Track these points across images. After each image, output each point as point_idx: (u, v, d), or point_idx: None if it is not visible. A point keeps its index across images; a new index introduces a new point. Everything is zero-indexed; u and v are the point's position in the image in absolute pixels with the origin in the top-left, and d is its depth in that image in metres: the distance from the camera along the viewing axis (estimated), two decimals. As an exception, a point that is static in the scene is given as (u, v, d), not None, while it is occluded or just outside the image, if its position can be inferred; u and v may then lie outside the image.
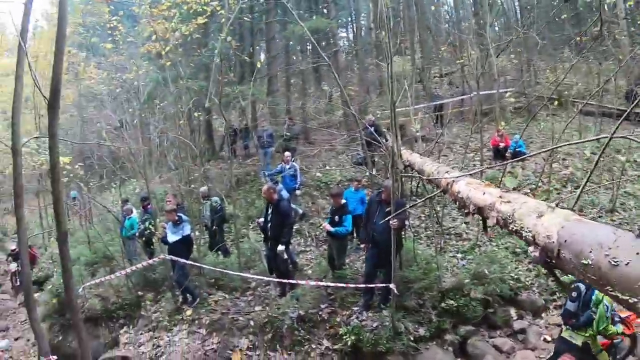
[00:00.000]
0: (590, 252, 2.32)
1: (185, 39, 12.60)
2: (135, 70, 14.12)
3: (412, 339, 7.33)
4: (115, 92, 18.98)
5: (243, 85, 15.13)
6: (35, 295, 10.40)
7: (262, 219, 8.87)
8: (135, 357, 8.18)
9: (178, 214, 9.12)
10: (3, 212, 38.62)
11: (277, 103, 18.15)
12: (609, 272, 2.13)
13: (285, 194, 10.41)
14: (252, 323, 8.08)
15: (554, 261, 2.87)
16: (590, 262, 2.31)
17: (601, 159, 13.28)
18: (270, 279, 8.80)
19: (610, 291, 2.15)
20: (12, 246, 16.50)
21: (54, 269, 15.11)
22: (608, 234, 2.31)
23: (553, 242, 2.78)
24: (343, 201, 8.87)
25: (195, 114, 13.23)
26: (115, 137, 18.58)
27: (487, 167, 10.57)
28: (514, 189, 11.65)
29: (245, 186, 14.65)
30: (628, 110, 4.12)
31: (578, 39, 14.11)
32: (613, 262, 2.09)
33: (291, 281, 8.32)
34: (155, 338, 8.56)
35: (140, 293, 9.91)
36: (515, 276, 8.62)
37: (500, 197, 3.94)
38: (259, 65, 13.36)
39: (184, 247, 8.92)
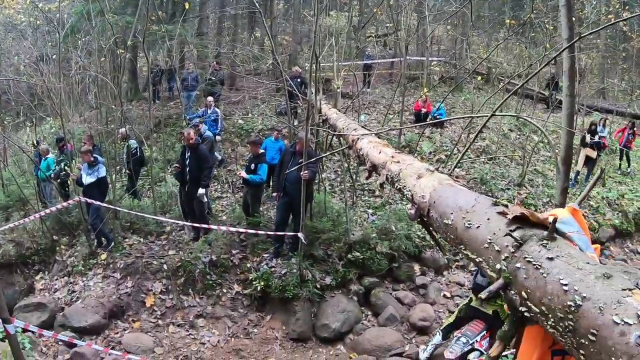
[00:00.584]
0: (452, 213, 2.52)
1: (114, -31, 11.95)
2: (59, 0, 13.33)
3: (318, 286, 7.85)
4: (37, 23, 17.90)
5: (172, 24, 14.64)
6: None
7: (177, 165, 8.98)
8: (51, 303, 8.13)
9: (94, 155, 8.93)
10: None
11: (205, 46, 17.64)
12: (463, 233, 2.33)
13: (209, 134, 10.50)
14: (165, 267, 8.30)
15: (425, 219, 3.10)
16: (450, 223, 2.51)
17: (517, 136, 14.65)
18: (185, 223, 8.98)
19: (464, 250, 2.38)
20: None
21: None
22: (469, 199, 2.50)
23: (425, 202, 2.98)
24: (261, 150, 9.09)
25: (119, 51, 12.74)
26: (34, 71, 17.69)
27: (400, 128, 11.04)
28: (429, 153, 12.49)
29: (167, 129, 14.40)
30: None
31: (509, 21, 14.72)
32: (467, 224, 2.29)
33: (204, 226, 8.56)
34: (71, 283, 8.58)
35: (55, 237, 9.70)
36: (422, 235, 9.18)
37: (392, 157, 4.12)
38: (187, 7, 12.93)
39: (99, 189, 8.84)
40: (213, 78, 14.84)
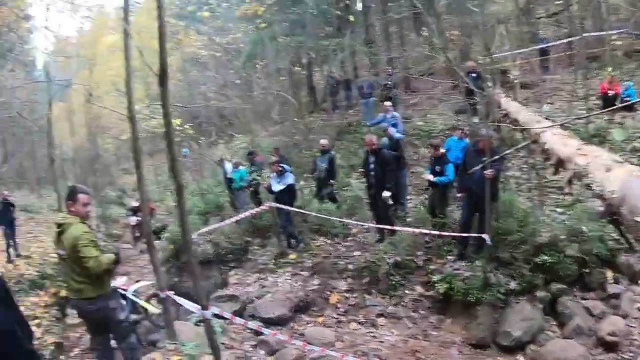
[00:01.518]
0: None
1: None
2: (234, 32, 14.68)
3: (502, 291, 7.27)
4: (217, 55, 19.91)
5: (340, 37, 15.23)
6: (154, 242, 11.60)
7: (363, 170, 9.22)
8: (243, 295, 8.86)
9: (281, 165, 9.71)
10: (122, 172, 42.55)
11: (375, 53, 17.97)
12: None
13: (400, 136, 10.42)
14: (350, 267, 8.54)
15: (616, 217, 2.79)
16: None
17: None
18: (370, 225, 9.16)
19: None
20: (134, 203, 18.05)
21: (170, 220, 16.66)
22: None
23: (615, 197, 2.69)
24: (442, 150, 8.92)
25: (296, 69, 13.57)
26: (220, 96, 19.63)
27: (584, 116, 9.95)
28: (621, 141, 10.98)
29: (348, 137, 14.92)
30: None
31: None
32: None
33: (389, 227, 8.56)
34: (261, 279, 9.27)
35: (248, 239, 10.84)
36: (616, 237, 7.89)
37: (578, 149, 3.84)
38: (352, 19, 13.32)
39: (288, 195, 9.54)
40: (388, 83, 14.95)
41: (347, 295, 8.26)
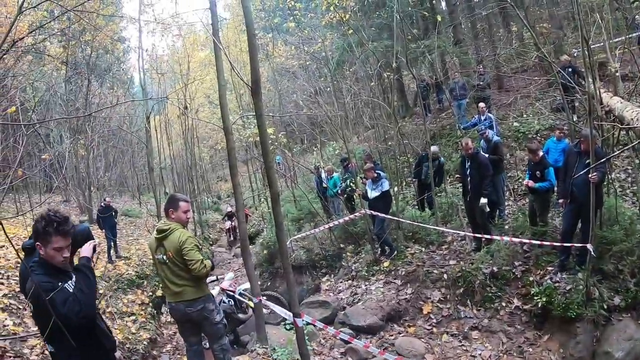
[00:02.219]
0: None
1: (363, 2, 12.68)
2: (321, 41, 14.82)
3: (605, 307, 6.59)
4: (306, 64, 20.19)
5: (428, 38, 14.93)
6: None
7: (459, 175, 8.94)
8: (334, 302, 8.96)
9: (377, 171, 9.58)
10: (217, 179, 44.51)
11: (465, 52, 17.42)
12: None
13: (497, 138, 9.94)
14: (445, 276, 8.25)
15: None
16: None
17: None
18: (466, 233, 8.83)
19: None
20: (228, 208, 18.90)
21: (264, 225, 17.13)
22: None
23: None
24: (540, 153, 8.28)
25: (385, 74, 13.45)
26: (311, 104, 19.90)
27: None
28: None
29: (442, 140, 14.61)
30: None
31: None
32: None
33: (486, 236, 8.18)
34: (354, 286, 9.28)
35: (341, 245, 10.88)
36: None
37: None
38: (439, 19, 12.99)
39: (383, 202, 9.40)
40: (481, 83, 14.43)
41: (440, 305, 8.04)
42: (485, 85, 14.71)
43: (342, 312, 8.43)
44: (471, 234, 8.67)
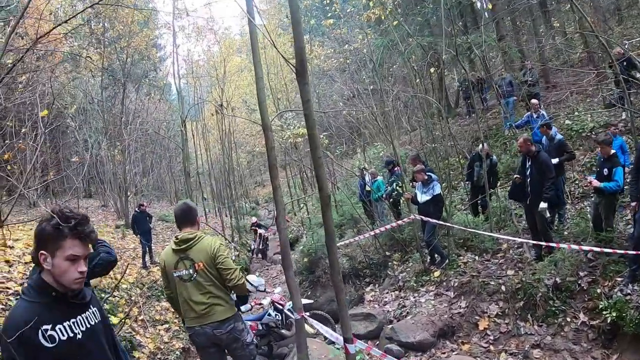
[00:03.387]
0: None
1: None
2: (361, 39, 14.25)
3: None
4: (345, 64, 19.68)
5: (469, 35, 14.16)
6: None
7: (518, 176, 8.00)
8: (380, 315, 8.32)
9: (427, 173, 8.90)
10: (255, 185, 44.46)
11: (510, 47, 16.46)
12: None
13: (560, 136, 9.02)
14: (503, 288, 7.42)
15: None
16: None
17: None
18: (522, 240, 7.96)
19: None
20: (253, 219, 18.65)
21: (304, 231, 16.57)
22: None
23: None
24: (612, 151, 7.35)
25: (432, 69, 12.83)
26: (350, 106, 19.47)
27: None
28: None
29: (489, 141, 13.75)
30: None
31: None
32: None
33: (545, 243, 7.36)
34: (401, 298, 8.61)
35: (387, 253, 10.20)
36: None
37: None
38: (490, 6, 12.19)
39: (434, 206, 8.64)
40: (529, 79, 13.46)
41: (497, 320, 7.23)
42: (535, 81, 13.76)
43: (389, 327, 7.75)
44: (528, 241, 7.82)
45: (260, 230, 17.80)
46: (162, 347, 7.92)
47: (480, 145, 9.80)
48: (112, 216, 19.70)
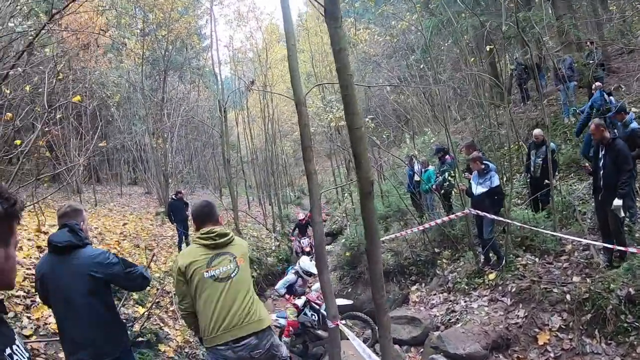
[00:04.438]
0: None
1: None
2: (408, 17, 13.34)
3: None
4: (391, 48, 18.76)
5: (526, 12, 12.89)
6: (328, 247, 10.80)
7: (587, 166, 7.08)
8: (426, 319, 7.56)
9: (484, 162, 7.88)
10: (301, 173, 44.11)
11: (572, 26, 15.02)
12: None
13: (635, 125, 8.00)
14: (568, 297, 6.40)
15: None
16: None
17: None
18: (589, 241, 6.92)
19: None
20: (300, 215, 16.66)
21: (347, 222, 15.81)
22: None
23: None
24: None
25: (477, 57, 11.80)
26: (397, 94, 18.64)
27: None
28: None
29: (545, 130, 12.62)
30: None
31: None
32: None
33: (621, 248, 6.26)
34: (450, 301, 7.78)
35: (436, 250, 9.35)
36: None
37: None
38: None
39: (491, 200, 7.63)
40: (590, 62, 12.15)
41: (560, 335, 6.24)
42: (600, 63, 12.45)
43: (436, 334, 6.92)
44: (596, 243, 6.83)
45: (297, 242, 15.74)
46: (191, 340, 7.52)
47: (535, 131, 8.96)
48: (154, 203, 19.67)
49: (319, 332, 7.56)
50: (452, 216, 8.51)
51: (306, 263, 8.27)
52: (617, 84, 12.88)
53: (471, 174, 8.14)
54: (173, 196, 13.57)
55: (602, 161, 6.54)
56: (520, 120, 12.54)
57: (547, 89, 15.68)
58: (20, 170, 9.07)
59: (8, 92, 8.02)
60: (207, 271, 3.43)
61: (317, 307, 7.49)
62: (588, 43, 13.12)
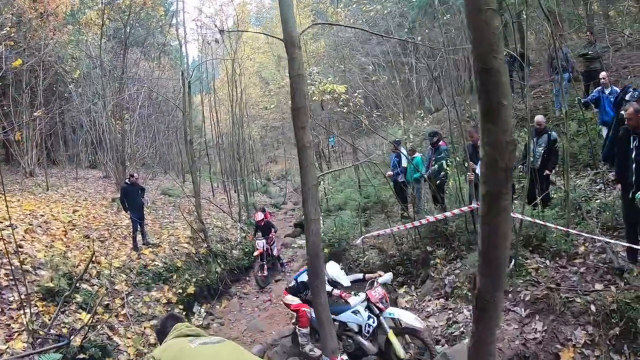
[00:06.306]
0: None
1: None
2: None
3: None
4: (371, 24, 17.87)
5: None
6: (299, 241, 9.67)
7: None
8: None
9: None
10: (268, 160, 42.75)
11: (570, 13, 14.32)
12: None
13: None
14: (593, 308, 5.48)
15: None
16: None
17: None
18: (611, 241, 6.06)
19: None
20: (259, 215, 13.31)
21: (320, 214, 14.72)
22: None
23: None
24: None
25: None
26: (370, 82, 17.78)
27: None
28: None
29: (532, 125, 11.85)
30: None
31: None
32: None
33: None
34: (450, 309, 6.74)
35: (429, 248, 8.23)
36: None
37: None
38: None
39: None
40: (590, 52, 11.57)
41: (585, 351, 5.27)
42: (596, 56, 11.81)
43: (440, 352, 5.84)
44: (616, 242, 6.00)
45: (259, 242, 12.74)
46: (146, 351, 6.44)
47: (536, 117, 8.33)
48: (111, 188, 18.14)
49: (366, 343, 6.15)
50: (455, 211, 7.43)
51: (334, 270, 6.67)
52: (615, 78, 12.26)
53: (476, 163, 7.14)
54: (126, 180, 12.07)
55: (634, 152, 5.62)
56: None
57: (532, 82, 15.02)
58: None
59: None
60: (196, 340, 2.66)
61: (378, 311, 6.07)
62: (587, 34, 12.65)
